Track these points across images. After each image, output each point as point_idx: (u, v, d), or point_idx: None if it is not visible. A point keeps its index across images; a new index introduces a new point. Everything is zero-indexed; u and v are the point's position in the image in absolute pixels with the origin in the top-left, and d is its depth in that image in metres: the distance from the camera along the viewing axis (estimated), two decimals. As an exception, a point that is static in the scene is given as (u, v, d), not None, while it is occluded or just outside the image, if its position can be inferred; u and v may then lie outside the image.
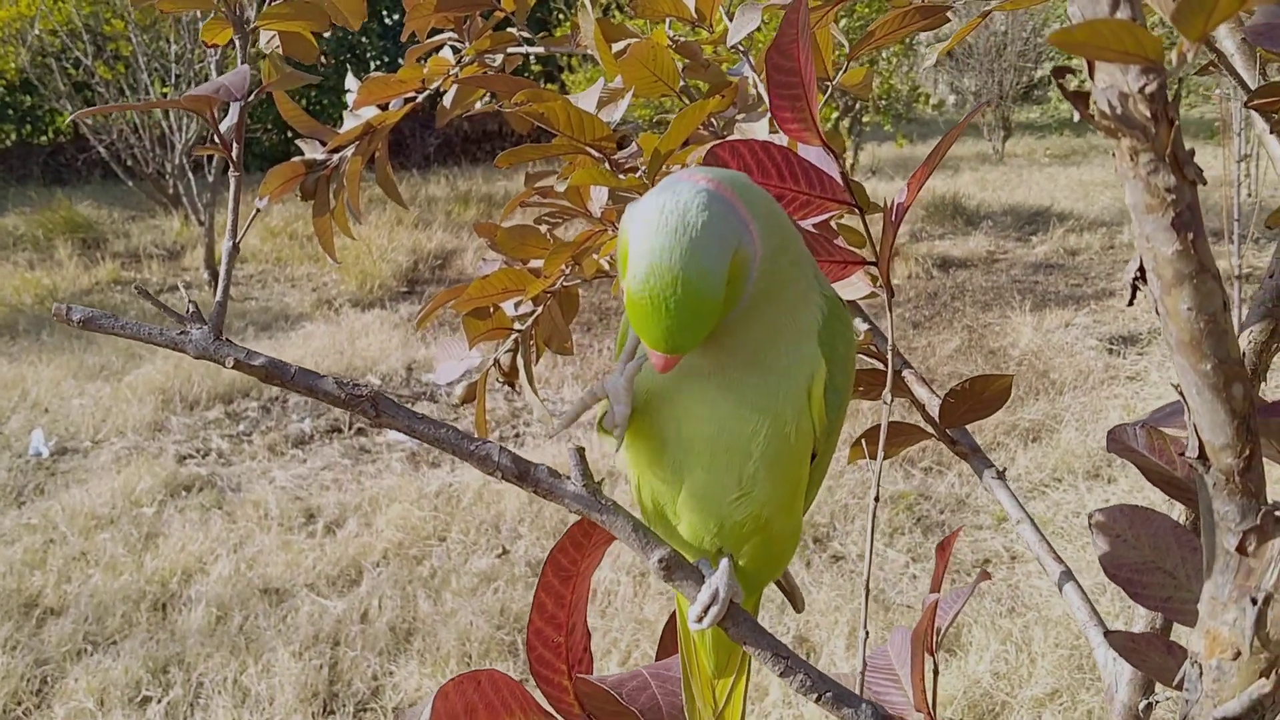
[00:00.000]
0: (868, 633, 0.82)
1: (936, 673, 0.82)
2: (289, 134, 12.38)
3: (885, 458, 0.88)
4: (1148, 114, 0.40)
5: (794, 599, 0.77)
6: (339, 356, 5.62)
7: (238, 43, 0.59)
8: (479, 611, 3.15)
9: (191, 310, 0.47)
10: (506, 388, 1.15)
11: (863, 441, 0.91)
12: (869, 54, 0.99)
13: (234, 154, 0.53)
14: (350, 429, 4.68)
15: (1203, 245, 0.42)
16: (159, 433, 4.68)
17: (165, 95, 8.75)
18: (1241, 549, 0.46)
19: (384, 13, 12.82)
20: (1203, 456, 0.45)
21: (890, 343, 0.84)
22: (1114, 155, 0.42)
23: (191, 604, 3.22)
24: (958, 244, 7.87)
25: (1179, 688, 0.50)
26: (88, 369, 5.46)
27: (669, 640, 0.73)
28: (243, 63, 0.55)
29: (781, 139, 0.93)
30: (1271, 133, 0.72)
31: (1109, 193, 9.23)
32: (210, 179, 7.94)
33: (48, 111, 11.47)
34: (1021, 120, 13.25)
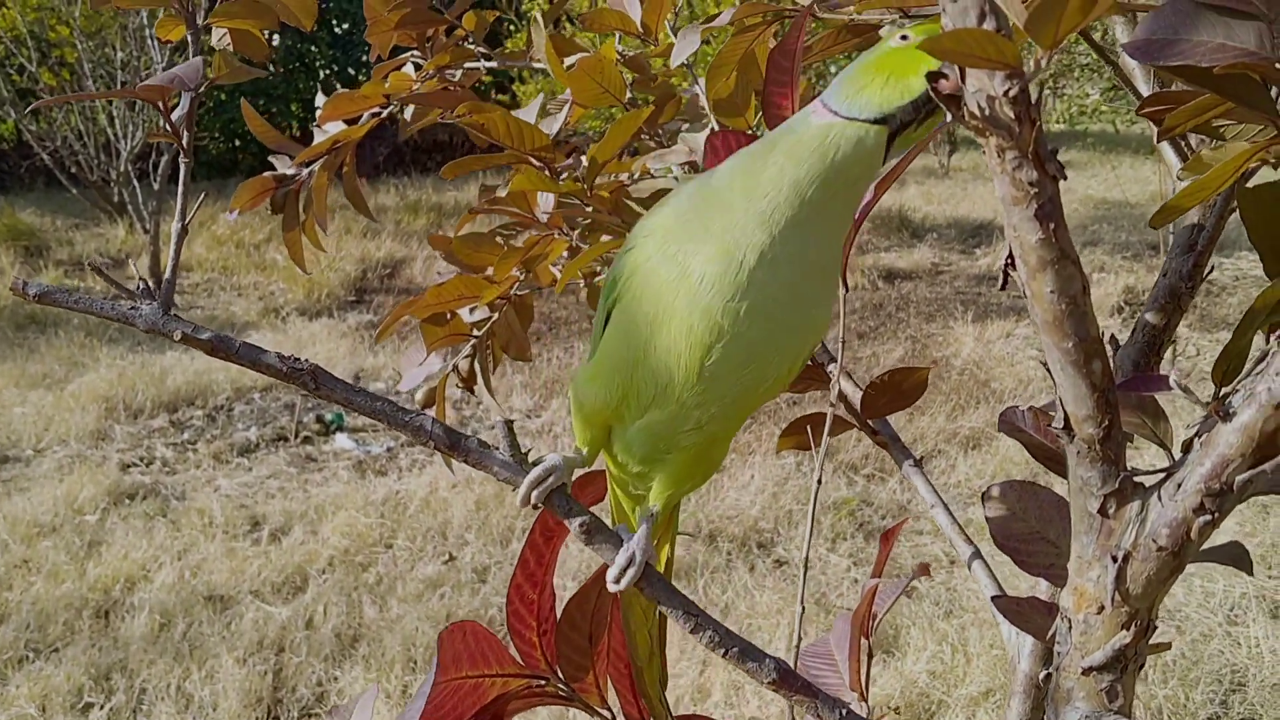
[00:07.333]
0: (804, 607, 0.86)
1: (871, 656, 0.87)
2: (236, 142, 12.29)
3: (817, 446, 0.92)
4: (1012, 115, 0.45)
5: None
6: (286, 365, 5.59)
7: (190, 39, 0.63)
8: (425, 617, 3.16)
9: (142, 287, 0.50)
10: (457, 400, 1.19)
11: (807, 429, 0.96)
12: (806, 68, 1.04)
13: (184, 141, 0.57)
14: (296, 437, 4.66)
15: (1063, 234, 0.47)
16: (102, 441, 4.64)
17: (110, 102, 8.67)
18: (1103, 511, 0.50)
19: (334, 22, 12.77)
20: (1068, 427, 0.50)
21: (841, 339, 0.89)
22: (984, 152, 0.47)
23: (134, 611, 3.20)
24: (903, 256, 7.99)
25: (1052, 642, 0.54)
26: (30, 377, 5.39)
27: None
28: (195, 57, 0.58)
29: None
30: (1159, 140, 0.77)
31: (1050, 208, 9.39)
32: (155, 187, 7.87)
33: (-10, 118, 11.31)
34: (967, 135, 13.47)
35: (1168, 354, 5.05)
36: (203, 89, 0.57)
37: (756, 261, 0.54)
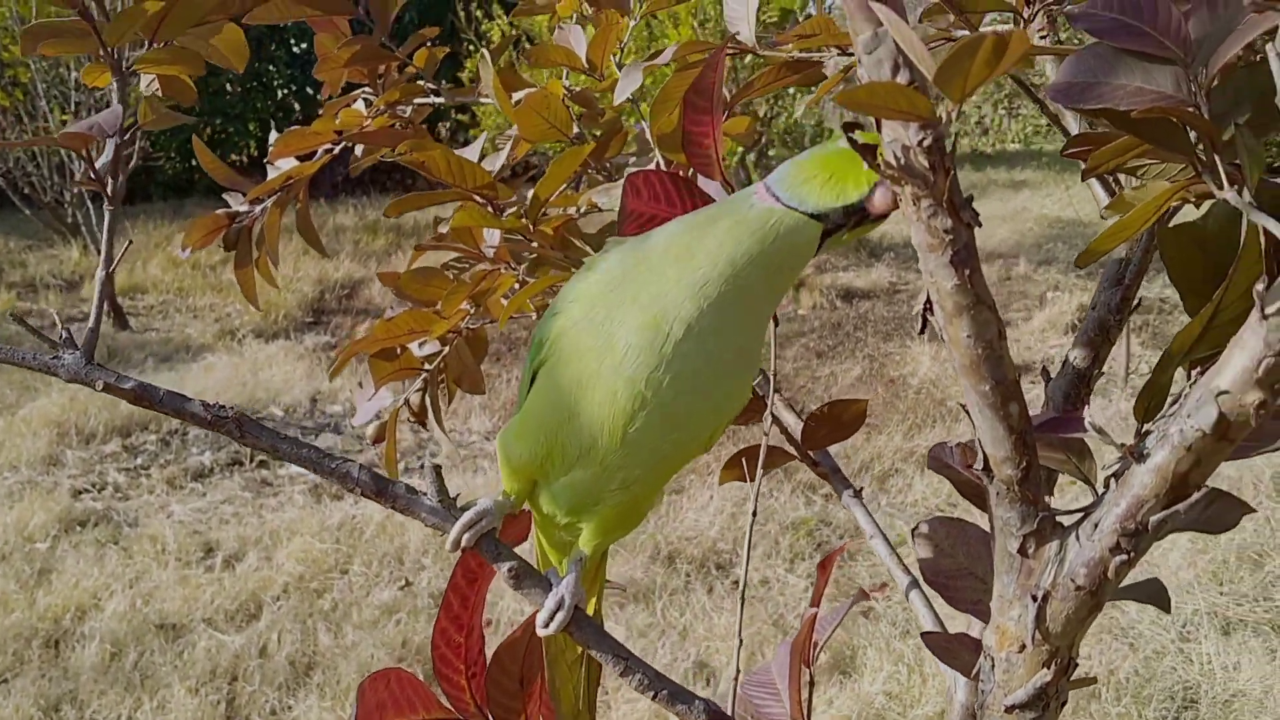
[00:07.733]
0: (741, 640, 0.86)
1: (813, 684, 0.87)
2: (192, 162, 12.17)
3: (752, 479, 0.93)
4: (927, 164, 0.46)
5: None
6: (241, 388, 5.54)
7: (116, 84, 0.62)
8: (380, 644, 3.14)
9: (65, 336, 0.50)
10: (415, 424, 1.19)
11: (743, 462, 0.96)
12: (747, 102, 1.05)
13: (109, 189, 0.56)
14: (251, 462, 4.62)
15: (979, 280, 0.48)
16: (54, 467, 4.58)
17: (65, 123, 8.57)
18: (1022, 551, 0.51)
19: (291, 41, 12.70)
20: (987, 468, 0.51)
21: (773, 369, 0.90)
22: (901, 199, 0.48)
23: (85, 641, 3.15)
24: (861, 275, 8.04)
25: (976, 679, 0.55)
26: (-21, 402, 5.31)
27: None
28: (119, 103, 0.58)
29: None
30: (1084, 179, 0.79)
31: (1006, 226, 9.51)
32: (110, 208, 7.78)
33: (-60, 138, 11.14)
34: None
35: (1121, 373, 5.12)
36: (128, 135, 0.57)
37: (683, 334, 0.55)
